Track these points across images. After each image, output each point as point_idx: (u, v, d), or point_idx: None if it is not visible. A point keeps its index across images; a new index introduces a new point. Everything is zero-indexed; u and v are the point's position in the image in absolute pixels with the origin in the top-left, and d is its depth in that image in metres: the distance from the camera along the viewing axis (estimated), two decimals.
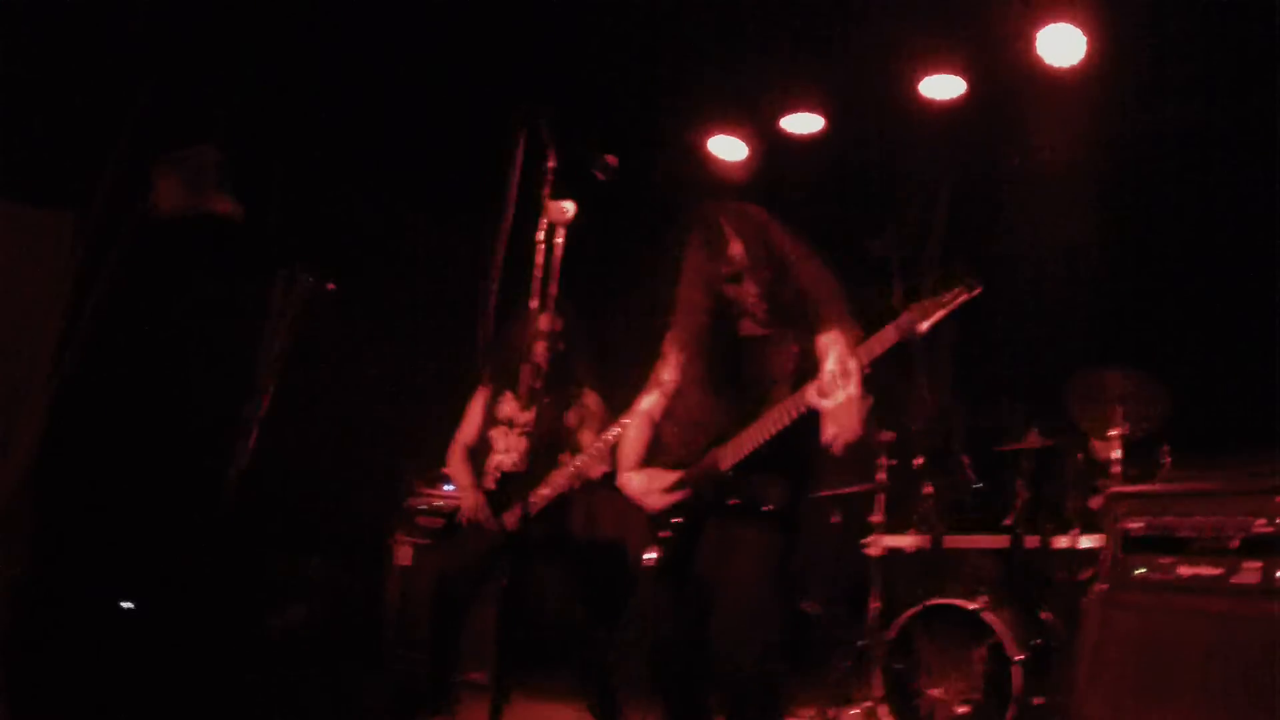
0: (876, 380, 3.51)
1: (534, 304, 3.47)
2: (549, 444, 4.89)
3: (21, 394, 5.82)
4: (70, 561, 5.99)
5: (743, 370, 3.59)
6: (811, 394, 3.24)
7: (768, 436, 3.42)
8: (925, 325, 3.13)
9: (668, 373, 3.78)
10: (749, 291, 3.58)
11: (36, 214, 6.15)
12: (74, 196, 6.02)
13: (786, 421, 3.37)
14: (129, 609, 5.90)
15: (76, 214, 6.06)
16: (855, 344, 3.28)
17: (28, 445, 5.75)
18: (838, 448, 3.31)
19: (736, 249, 3.57)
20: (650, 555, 3.62)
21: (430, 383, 6.39)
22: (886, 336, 3.19)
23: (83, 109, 5.92)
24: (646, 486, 3.65)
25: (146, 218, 6.23)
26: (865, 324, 3.34)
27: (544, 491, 4.82)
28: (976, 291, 3.13)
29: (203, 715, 4.92)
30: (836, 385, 3.16)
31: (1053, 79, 6.05)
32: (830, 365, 3.19)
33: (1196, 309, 6.70)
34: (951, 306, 3.13)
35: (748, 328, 3.67)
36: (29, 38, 5.61)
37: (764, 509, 3.47)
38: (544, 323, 3.68)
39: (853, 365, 3.15)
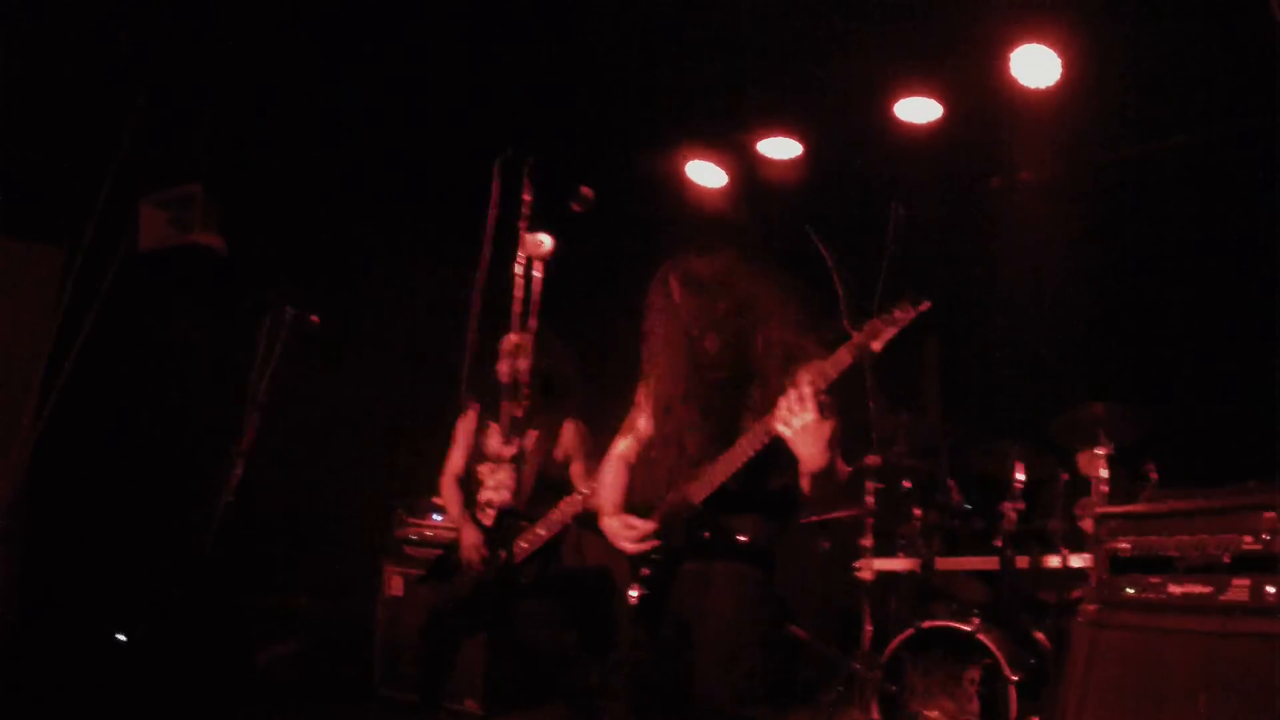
0: (858, 407, 3.52)
1: (514, 337, 3.48)
2: (538, 478, 4.90)
3: (8, 428, 5.81)
4: (58, 598, 5.97)
5: (716, 412, 3.58)
6: (773, 423, 3.22)
7: (736, 468, 3.41)
8: (878, 344, 3.13)
9: (642, 419, 3.79)
10: (712, 345, 3.58)
11: (25, 249, 6.17)
12: (63, 232, 6.03)
13: (751, 452, 3.36)
14: (122, 640, 5.88)
15: (65, 249, 6.07)
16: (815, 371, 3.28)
17: (15, 480, 5.75)
18: (805, 482, 3.30)
19: (691, 307, 3.58)
20: (633, 593, 3.60)
21: (415, 415, 6.41)
22: (840, 359, 3.18)
23: (71, 145, 5.94)
24: (619, 533, 3.65)
25: (133, 253, 6.24)
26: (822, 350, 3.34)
27: (540, 531, 4.82)
28: (924, 308, 3.13)
29: None
30: (794, 412, 3.15)
31: (1028, 100, 6.07)
32: (792, 391, 3.17)
33: (1182, 332, 6.73)
34: (902, 324, 3.14)
35: (716, 375, 3.67)
36: (17, 76, 5.63)
37: (739, 539, 3.47)
38: (525, 354, 3.69)
39: (808, 391, 3.13)
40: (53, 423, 5.80)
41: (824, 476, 3.25)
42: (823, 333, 3.47)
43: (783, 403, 3.18)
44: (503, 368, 4.95)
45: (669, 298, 3.64)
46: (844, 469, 3.46)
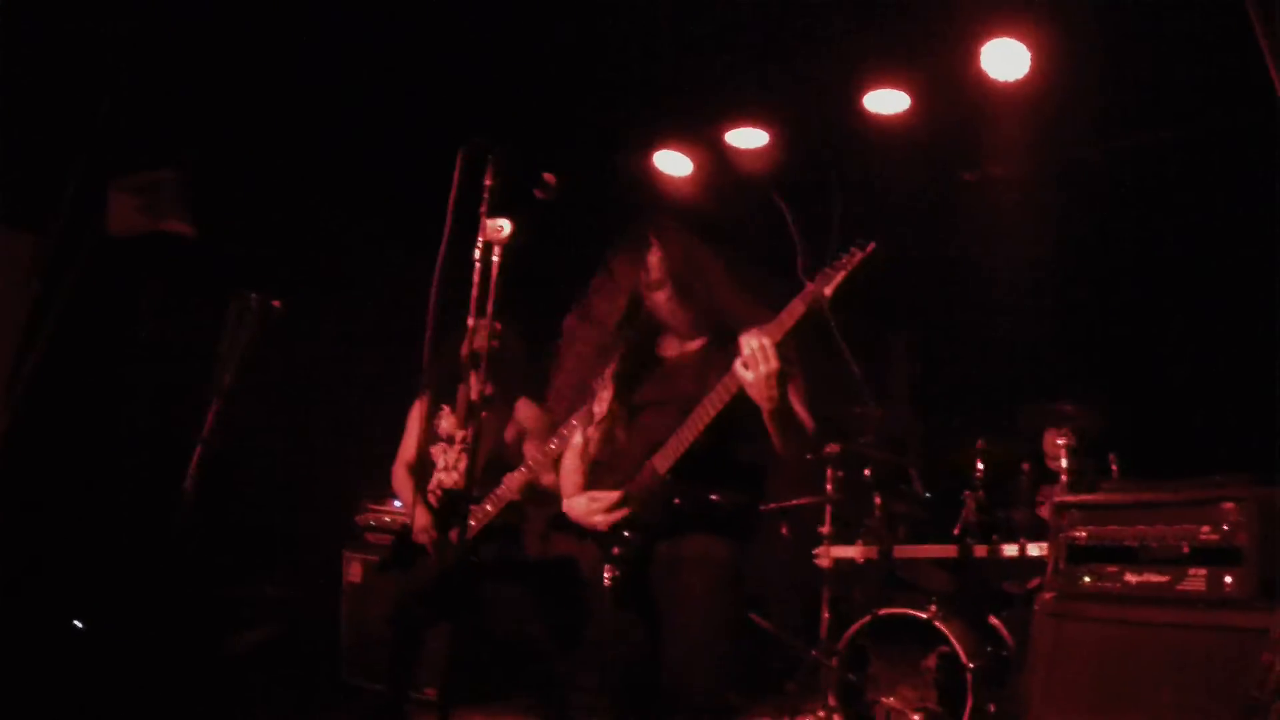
0: (820, 390, 3.55)
1: (470, 321, 3.49)
2: (490, 460, 4.91)
3: None
4: (24, 587, 5.94)
5: (669, 389, 3.61)
6: (733, 375, 3.26)
7: (699, 432, 3.42)
8: (829, 290, 3.20)
9: (596, 405, 3.79)
10: (667, 301, 3.62)
11: None
12: (32, 217, 5.99)
13: (714, 412, 3.38)
14: (79, 627, 5.86)
15: (35, 235, 6.03)
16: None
17: None
18: (771, 429, 3.32)
19: (654, 257, 3.63)
20: (606, 576, 3.58)
21: (378, 401, 6.41)
22: (794, 310, 3.24)
23: (41, 129, 5.89)
24: (589, 508, 3.63)
25: (103, 238, 6.21)
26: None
27: (488, 508, 4.84)
28: (870, 249, 3.22)
29: None
30: (756, 362, 3.18)
31: (998, 93, 6.10)
32: (745, 349, 3.22)
33: (1149, 326, 6.79)
34: (850, 268, 3.21)
35: (671, 347, 3.71)
36: None
37: (711, 499, 3.47)
38: (480, 338, 3.70)
39: (767, 341, 3.18)
40: (20, 412, 5.76)
41: (784, 421, 3.31)
42: (777, 287, 3.51)
43: (741, 359, 3.22)
44: (464, 349, 4.99)
45: (633, 260, 3.67)
46: (806, 418, 3.48)
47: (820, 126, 6.59)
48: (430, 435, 5.18)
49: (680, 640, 3.38)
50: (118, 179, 6.34)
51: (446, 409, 5.18)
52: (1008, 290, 7.23)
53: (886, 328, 8.44)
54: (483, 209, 3.44)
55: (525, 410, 5.13)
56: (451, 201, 3.37)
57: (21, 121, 5.83)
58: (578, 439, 3.91)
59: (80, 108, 5.83)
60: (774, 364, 3.17)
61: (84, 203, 5.97)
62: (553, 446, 4.54)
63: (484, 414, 4.85)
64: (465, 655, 4.17)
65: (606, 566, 3.58)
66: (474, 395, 4.01)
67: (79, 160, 5.80)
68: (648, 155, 7.01)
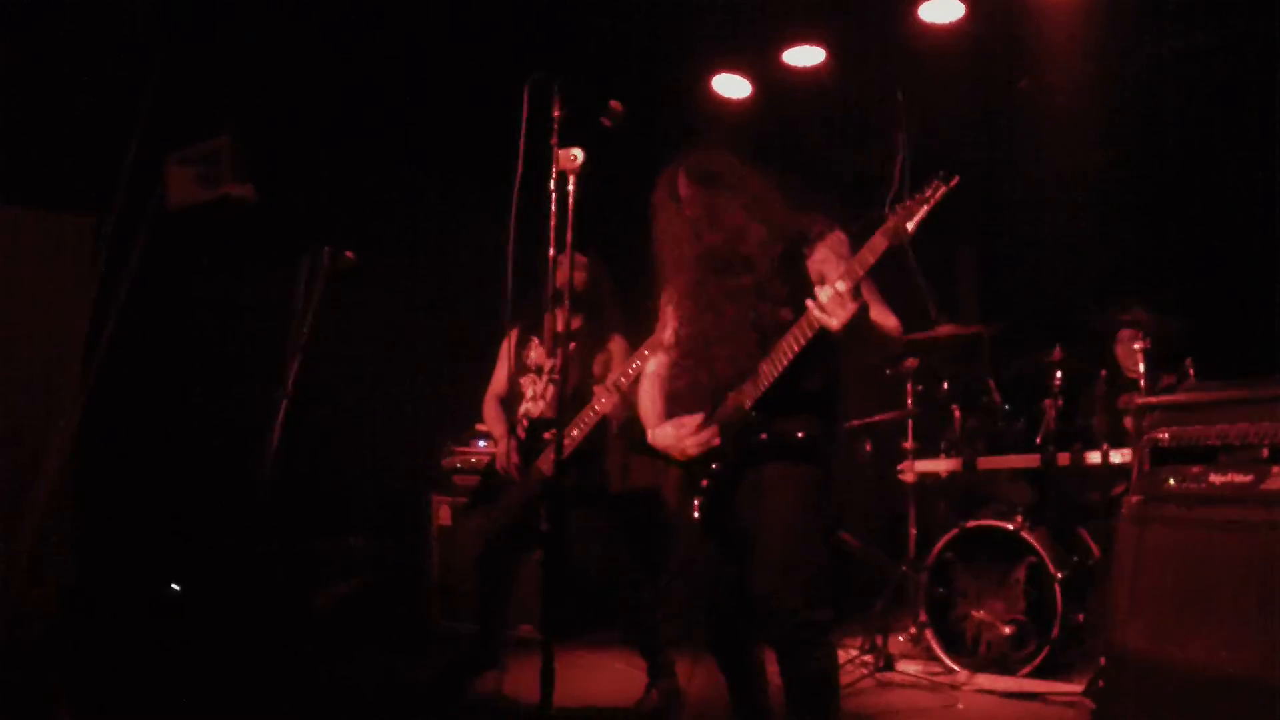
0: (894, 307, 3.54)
1: (552, 253, 3.50)
2: (577, 390, 4.92)
3: (54, 396, 5.89)
4: (114, 556, 6.07)
5: (741, 315, 3.57)
6: (814, 313, 3.25)
7: (783, 366, 3.43)
8: (911, 225, 3.17)
9: (668, 333, 3.80)
10: (722, 241, 3.58)
11: (56, 219, 6.23)
12: (92, 199, 6.06)
13: (798, 348, 3.39)
14: (176, 590, 5.99)
15: (96, 216, 6.11)
16: (847, 254, 3.31)
17: (63, 446, 5.82)
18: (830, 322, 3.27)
19: (699, 202, 3.61)
20: (695, 506, 3.62)
21: (458, 345, 6.43)
22: (877, 244, 3.22)
23: (93, 111, 5.95)
24: (676, 435, 3.66)
25: (163, 212, 6.27)
26: (855, 241, 3.38)
27: (574, 433, 4.83)
28: (954, 182, 3.17)
29: (253, 696, 4.98)
30: (836, 304, 3.17)
31: None
32: (827, 287, 3.21)
33: (1217, 226, 6.70)
34: (933, 201, 3.18)
35: (735, 272, 3.63)
36: (34, 45, 5.66)
37: (797, 436, 3.49)
38: (564, 270, 3.71)
39: (843, 287, 3.17)
40: (99, 386, 5.86)
41: (869, 338, 3.35)
42: (862, 219, 3.49)
43: (823, 294, 3.21)
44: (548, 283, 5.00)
45: (674, 197, 3.66)
46: (890, 322, 3.47)
47: (876, 40, 6.50)
48: (520, 366, 5.18)
49: (773, 560, 3.40)
50: (174, 152, 6.40)
51: (536, 340, 5.18)
52: (1070, 198, 7.16)
53: (953, 241, 8.39)
54: (553, 140, 3.45)
55: (619, 345, 5.14)
56: (523, 134, 3.40)
57: (72, 106, 5.91)
58: (651, 366, 3.93)
59: (128, 84, 5.86)
60: (853, 306, 3.17)
61: (141, 180, 6.02)
62: (631, 372, 4.55)
63: (572, 345, 4.88)
64: (558, 588, 4.21)
65: (696, 499, 3.61)
66: (559, 327, 4.03)
67: (132, 138, 5.84)
68: (707, 80, 6.96)
